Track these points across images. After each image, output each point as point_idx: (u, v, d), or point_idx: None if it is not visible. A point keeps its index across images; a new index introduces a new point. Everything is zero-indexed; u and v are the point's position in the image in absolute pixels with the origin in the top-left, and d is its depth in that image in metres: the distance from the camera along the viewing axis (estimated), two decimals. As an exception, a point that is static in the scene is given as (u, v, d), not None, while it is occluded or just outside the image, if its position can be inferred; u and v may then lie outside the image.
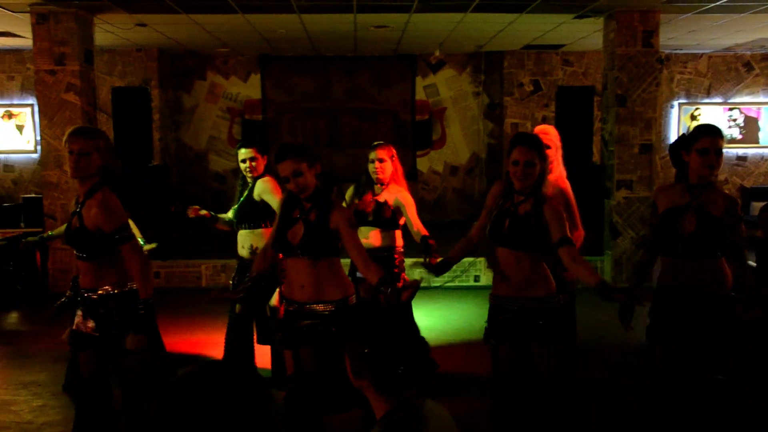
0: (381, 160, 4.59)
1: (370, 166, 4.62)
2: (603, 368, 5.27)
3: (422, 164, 11.75)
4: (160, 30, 8.92)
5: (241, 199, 4.66)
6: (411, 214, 4.59)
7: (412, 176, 11.66)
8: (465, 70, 11.65)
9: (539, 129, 4.31)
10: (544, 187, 3.31)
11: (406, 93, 11.64)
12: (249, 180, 4.65)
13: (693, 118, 11.29)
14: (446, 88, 11.66)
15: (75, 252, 3.39)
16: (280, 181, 3.74)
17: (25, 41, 9.14)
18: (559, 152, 4.24)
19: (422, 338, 1.65)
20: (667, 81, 11.27)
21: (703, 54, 11.22)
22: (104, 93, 10.27)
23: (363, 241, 4.38)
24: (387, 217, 4.60)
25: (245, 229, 4.63)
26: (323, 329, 3.38)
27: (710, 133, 3.30)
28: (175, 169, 11.00)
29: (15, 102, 10.69)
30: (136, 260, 3.31)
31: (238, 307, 4.59)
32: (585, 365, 4.86)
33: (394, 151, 4.68)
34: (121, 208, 3.33)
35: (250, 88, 11.50)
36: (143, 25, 8.49)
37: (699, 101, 11.33)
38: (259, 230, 4.59)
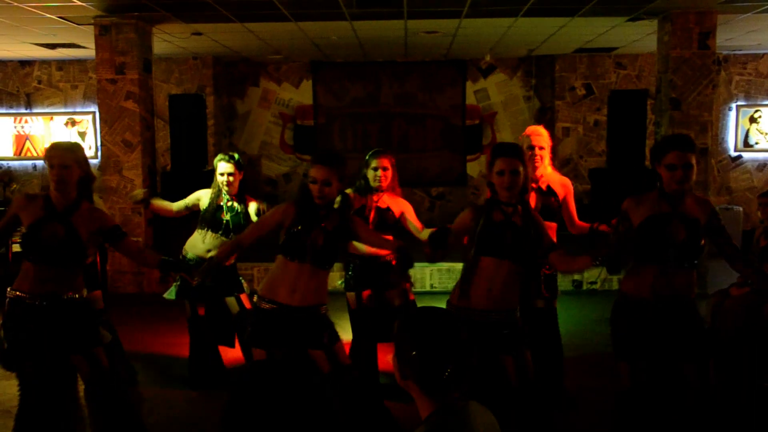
0: (384, 168, 4.59)
1: (372, 173, 4.59)
2: (589, 374, 5.16)
3: (472, 169, 11.73)
4: (215, 38, 9.14)
5: (222, 208, 4.86)
6: (414, 219, 4.67)
7: (461, 181, 11.65)
8: (516, 75, 11.59)
9: (531, 129, 4.43)
10: (527, 195, 3.35)
11: (456, 98, 11.64)
12: (225, 193, 4.86)
13: (753, 120, 10.98)
14: (497, 92, 11.61)
15: (36, 259, 3.44)
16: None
17: (88, 52, 9.50)
18: (550, 151, 4.40)
19: (468, 342, 1.68)
20: (725, 83, 10.99)
21: (764, 54, 10.90)
22: (161, 100, 10.57)
23: (366, 249, 4.50)
24: (389, 224, 4.63)
25: (222, 236, 4.84)
26: (300, 332, 3.47)
27: (678, 147, 3.21)
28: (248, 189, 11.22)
29: (78, 110, 11.09)
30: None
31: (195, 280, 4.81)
32: (570, 371, 4.77)
33: (393, 159, 4.69)
34: None
35: (302, 94, 11.67)
36: (199, 34, 8.72)
37: (759, 103, 11.00)
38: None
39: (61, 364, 3.53)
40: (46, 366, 3.51)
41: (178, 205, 5.06)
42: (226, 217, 4.86)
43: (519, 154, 3.29)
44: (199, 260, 4.77)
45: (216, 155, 5.07)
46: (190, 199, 5.03)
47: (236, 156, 4.93)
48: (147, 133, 8.26)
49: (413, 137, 11.68)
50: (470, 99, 11.61)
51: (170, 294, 4.94)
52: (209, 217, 4.88)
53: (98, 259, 5.41)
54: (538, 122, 11.36)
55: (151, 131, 8.44)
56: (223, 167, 4.84)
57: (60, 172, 3.41)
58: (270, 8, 7.20)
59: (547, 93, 11.34)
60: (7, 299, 3.52)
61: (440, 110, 11.67)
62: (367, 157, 4.66)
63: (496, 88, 11.62)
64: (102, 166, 8.36)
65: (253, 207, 4.91)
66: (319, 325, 3.53)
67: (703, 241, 3.24)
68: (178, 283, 4.91)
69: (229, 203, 4.89)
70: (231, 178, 4.83)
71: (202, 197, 4.99)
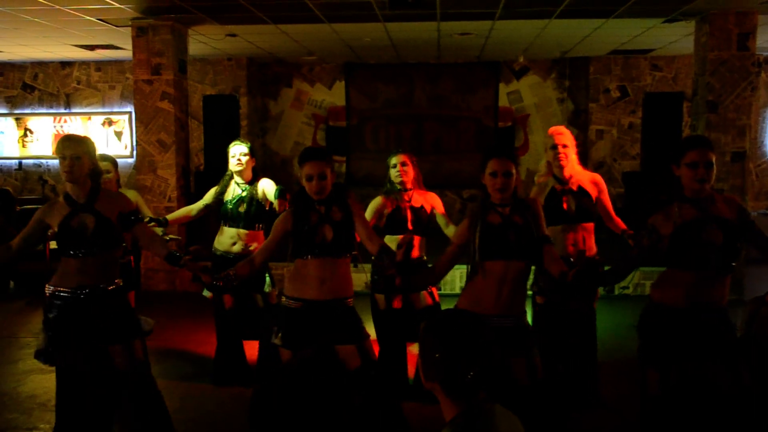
0: (404, 164, 4.63)
1: (393, 171, 4.65)
2: (620, 379, 5.05)
3: (504, 171, 11.65)
4: (249, 40, 9.24)
5: (236, 200, 4.88)
6: (443, 212, 4.76)
7: (493, 183, 11.57)
8: (549, 76, 11.50)
9: (553, 129, 4.37)
10: (519, 193, 3.36)
11: (489, 99, 11.59)
12: (237, 179, 4.89)
13: (793, 124, 10.73)
14: (530, 94, 11.53)
15: (75, 252, 3.50)
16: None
17: (126, 53, 9.66)
18: (575, 150, 4.33)
19: (493, 344, 1.68)
20: (765, 85, 10.77)
21: (805, 57, 10.67)
22: (195, 100, 10.70)
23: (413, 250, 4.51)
24: (425, 223, 4.67)
25: (242, 228, 4.87)
26: (330, 327, 3.49)
27: (698, 145, 3.20)
28: (262, 174, 11.31)
29: (115, 109, 11.29)
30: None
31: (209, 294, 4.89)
32: (602, 375, 4.69)
33: (414, 157, 4.73)
34: None
35: (335, 95, 11.72)
36: (234, 35, 8.82)
37: (800, 107, 10.76)
38: (255, 232, 4.90)
39: (99, 355, 3.57)
40: (85, 357, 3.56)
41: (197, 206, 5.11)
42: (241, 209, 4.86)
43: (512, 156, 3.30)
44: (227, 254, 4.86)
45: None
46: (207, 197, 5.06)
47: (248, 143, 4.99)
48: (181, 133, 8.38)
49: (446, 139, 11.65)
50: (503, 101, 11.55)
51: (206, 292, 5.01)
52: (226, 211, 4.91)
53: (132, 258, 5.52)
54: (571, 125, 11.28)
55: (186, 131, 8.55)
56: (235, 149, 4.87)
57: (72, 163, 3.49)
58: (304, 10, 7.25)
59: (581, 95, 11.24)
60: (47, 295, 3.60)
61: (473, 112, 11.62)
62: (387, 160, 4.73)
63: (530, 90, 11.54)
64: (137, 166, 8.49)
65: (270, 187, 4.87)
66: (349, 319, 3.56)
67: (739, 243, 3.19)
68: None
69: (244, 192, 4.88)
70: (244, 159, 4.85)
71: (216, 190, 5.03)
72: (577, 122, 11.28)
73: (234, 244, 4.90)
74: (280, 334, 3.55)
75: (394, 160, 4.65)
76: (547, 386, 3.34)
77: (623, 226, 4.37)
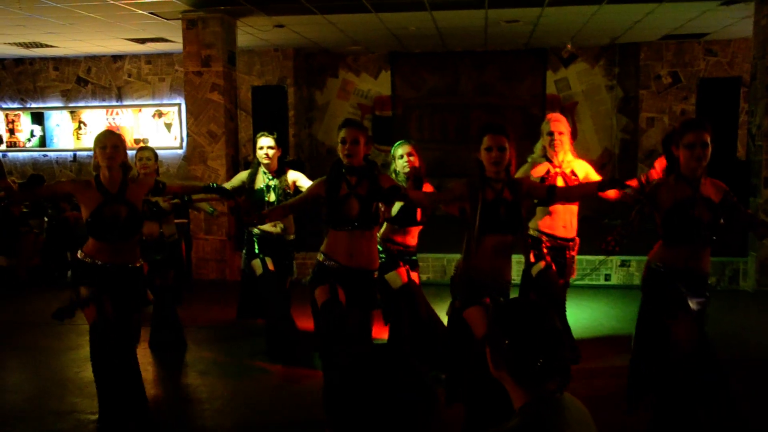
0: (410, 154, 4.69)
1: (400, 162, 4.69)
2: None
3: (552, 160, 11.51)
4: (296, 30, 9.30)
5: (265, 188, 5.17)
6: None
7: (541, 172, 11.45)
8: (598, 63, 11.29)
9: (551, 116, 4.85)
10: (512, 170, 3.61)
11: (536, 87, 11.45)
12: (264, 169, 5.17)
13: None
14: (578, 82, 11.35)
15: (103, 239, 3.83)
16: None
17: (175, 45, 9.83)
18: (569, 137, 4.87)
19: (561, 332, 1.66)
20: (824, 70, 10.39)
21: None
22: (243, 92, 10.81)
23: (408, 238, 4.77)
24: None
25: None
26: (364, 294, 3.92)
27: (695, 128, 3.44)
28: (309, 163, 11.42)
29: (165, 102, 11.50)
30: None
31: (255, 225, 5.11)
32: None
33: (418, 146, 4.83)
34: None
35: (381, 85, 11.73)
36: (281, 26, 8.88)
37: None
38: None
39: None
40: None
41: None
42: (271, 197, 5.15)
43: (505, 132, 3.50)
44: (268, 234, 5.22)
45: (296, 146, 5.30)
46: (235, 181, 5.33)
47: (275, 133, 5.27)
48: (231, 124, 8.49)
49: (491, 128, 11.54)
50: (551, 88, 11.40)
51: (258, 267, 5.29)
52: (256, 199, 5.16)
53: (183, 246, 5.69)
54: (620, 112, 11.07)
55: (235, 122, 8.66)
56: (263, 141, 5.17)
57: (113, 153, 3.81)
58: None
59: (631, 82, 11.01)
60: (77, 262, 3.93)
61: (520, 100, 11.50)
62: (392, 151, 4.81)
63: (578, 78, 11.35)
64: (187, 156, 8.63)
65: (303, 181, 5.19)
66: (369, 289, 3.96)
67: (722, 221, 3.49)
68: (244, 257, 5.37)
69: (271, 181, 5.17)
70: (270, 152, 5.15)
71: (245, 178, 5.28)
72: (627, 110, 11.07)
73: (274, 225, 5.19)
74: (311, 278, 3.98)
75: (400, 151, 4.70)
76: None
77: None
